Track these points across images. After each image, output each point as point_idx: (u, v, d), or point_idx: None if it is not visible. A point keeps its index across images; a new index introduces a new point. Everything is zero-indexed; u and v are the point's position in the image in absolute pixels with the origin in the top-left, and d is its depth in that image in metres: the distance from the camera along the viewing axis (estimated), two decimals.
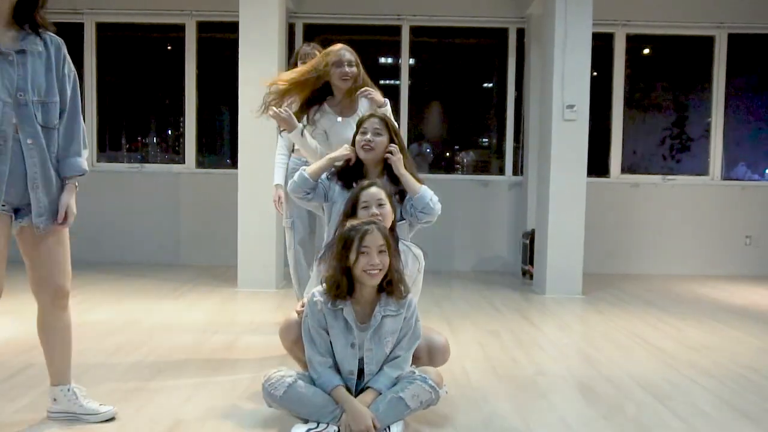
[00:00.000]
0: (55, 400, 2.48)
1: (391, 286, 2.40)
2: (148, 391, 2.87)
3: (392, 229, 2.72)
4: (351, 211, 2.67)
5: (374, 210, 2.62)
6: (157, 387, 2.94)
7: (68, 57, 2.37)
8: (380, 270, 2.35)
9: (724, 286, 6.14)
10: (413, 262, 2.76)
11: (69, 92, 2.36)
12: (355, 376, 2.41)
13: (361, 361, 2.41)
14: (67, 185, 2.35)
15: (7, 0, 2.20)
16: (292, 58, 3.99)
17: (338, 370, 2.42)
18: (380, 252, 2.34)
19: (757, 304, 5.30)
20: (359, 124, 3.02)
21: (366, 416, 2.28)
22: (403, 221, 2.95)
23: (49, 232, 2.32)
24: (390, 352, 2.43)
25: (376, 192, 2.67)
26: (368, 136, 2.95)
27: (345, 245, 2.37)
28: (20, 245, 2.37)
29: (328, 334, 2.41)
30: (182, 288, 5.45)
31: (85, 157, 2.41)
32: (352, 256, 2.34)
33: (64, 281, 2.40)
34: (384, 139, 2.97)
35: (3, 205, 2.23)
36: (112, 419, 2.50)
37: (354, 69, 3.39)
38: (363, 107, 3.43)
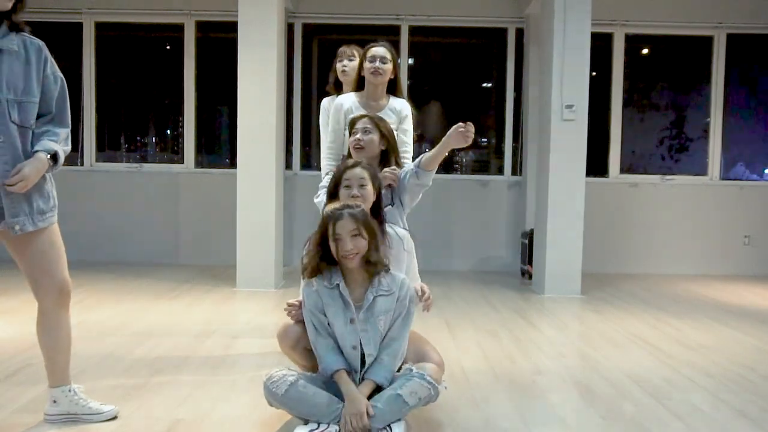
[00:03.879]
0: (55, 401, 2.46)
1: (370, 265, 2.44)
2: (147, 391, 2.87)
3: (378, 211, 2.74)
4: (334, 189, 2.73)
5: (355, 191, 2.66)
6: (156, 386, 2.94)
7: (52, 60, 2.35)
8: (356, 254, 2.39)
9: (723, 285, 6.15)
10: (397, 244, 2.76)
11: (56, 94, 2.35)
12: (359, 351, 2.42)
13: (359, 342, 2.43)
14: (35, 155, 2.25)
15: None
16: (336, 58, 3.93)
17: (341, 351, 2.43)
18: (353, 236, 2.38)
19: (756, 304, 5.31)
20: (351, 125, 3.08)
21: (362, 402, 2.30)
22: (391, 206, 2.98)
23: (29, 233, 2.28)
24: (385, 334, 2.45)
25: (359, 172, 2.70)
26: (358, 135, 3.01)
27: (323, 232, 2.43)
28: (9, 250, 2.34)
29: (325, 316, 2.43)
30: (181, 288, 5.45)
31: (63, 150, 2.33)
32: (331, 244, 2.40)
33: (66, 278, 2.38)
34: (374, 136, 3.02)
35: None
36: (114, 418, 2.51)
37: (387, 65, 3.39)
38: (393, 108, 3.44)
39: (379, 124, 3.05)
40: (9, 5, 2.21)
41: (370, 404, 2.31)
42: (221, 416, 2.59)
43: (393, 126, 3.29)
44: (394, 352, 2.44)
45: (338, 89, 3.83)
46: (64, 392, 2.46)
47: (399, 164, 3.16)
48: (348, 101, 3.45)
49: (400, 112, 3.42)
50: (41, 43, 2.33)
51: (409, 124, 3.47)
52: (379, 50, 3.39)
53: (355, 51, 3.79)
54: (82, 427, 2.44)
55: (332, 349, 2.42)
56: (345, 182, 2.70)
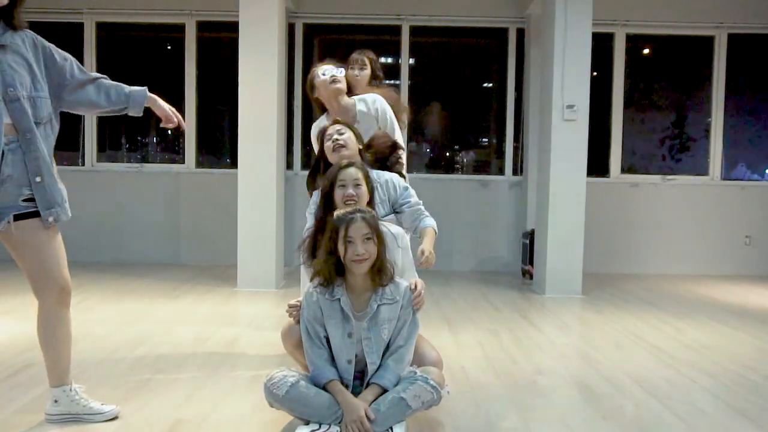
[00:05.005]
0: (56, 401, 2.46)
1: (377, 274, 2.41)
2: (148, 391, 2.87)
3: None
4: (329, 188, 2.72)
5: (350, 191, 2.66)
6: (157, 386, 2.94)
7: (53, 46, 2.38)
8: (366, 258, 2.36)
9: (724, 285, 6.14)
10: (391, 240, 2.77)
11: (77, 71, 2.40)
12: (353, 366, 2.41)
13: (361, 351, 2.42)
14: (146, 94, 2.52)
15: None
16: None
17: (334, 362, 2.42)
18: (365, 240, 2.36)
19: (757, 304, 5.31)
20: (321, 137, 3.09)
21: (359, 407, 2.29)
22: (392, 215, 2.99)
23: (34, 232, 2.30)
24: (389, 341, 2.44)
25: (353, 172, 2.71)
26: (335, 137, 3.01)
27: (332, 236, 2.39)
28: (9, 249, 2.34)
29: (324, 327, 2.42)
30: (182, 288, 5.45)
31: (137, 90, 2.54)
32: (341, 247, 2.36)
33: (67, 276, 2.39)
34: (349, 135, 3.03)
35: None
36: (115, 418, 2.51)
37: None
38: (361, 111, 3.44)
39: (351, 126, 3.09)
40: (5, 1, 2.20)
41: (369, 408, 2.30)
42: (222, 416, 2.59)
43: (376, 127, 3.31)
44: (400, 357, 2.42)
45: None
46: (65, 392, 2.46)
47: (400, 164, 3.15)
48: (320, 126, 3.39)
49: (368, 113, 3.40)
50: (33, 35, 2.34)
51: (385, 119, 3.43)
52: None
53: (366, 58, 3.76)
54: (83, 427, 2.44)
55: (326, 359, 2.40)
56: (340, 182, 2.70)
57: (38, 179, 2.26)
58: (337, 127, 3.06)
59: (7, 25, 2.26)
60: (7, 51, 2.23)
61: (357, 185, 2.69)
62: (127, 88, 2.52)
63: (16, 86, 2.22)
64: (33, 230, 2.31)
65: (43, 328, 2.41)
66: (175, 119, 2.57)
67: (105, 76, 2.52)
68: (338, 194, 2.69)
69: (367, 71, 3.73)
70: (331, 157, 2.99)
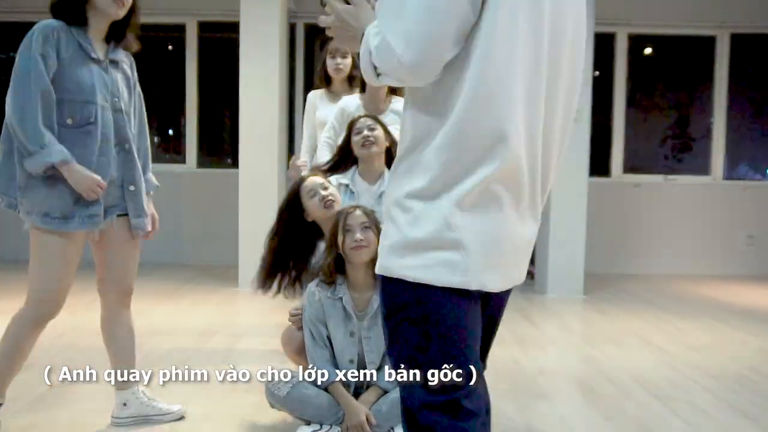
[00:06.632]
0: (125, 404, 2.48)
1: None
2: (149, 390, 2.87)
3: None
4: (294, 202, 2.68)
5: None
6: (158, 386, 2.93)
7: (137, 76, 2.52)
8: (366, 246, 2.34)
9: (726, 285, 6.13)
10: None
11: (137, 110, 2.49)
12: (355, 365, 2.41)
13: (362, 350, 2.41)
14: (149, 199, 2.52)
15: (111, 17, 2.31)
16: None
17: (336, 361, 2.42)
18: (364, 228, 2.36)
19: (759, 304, 5.30)
20: (350, 127, 2.96)
21: (360, 411, 2.29)
22: None
23: (145, 233, 2.44)
24: None
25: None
26: (365, 133, 2.89)
27: (332, 230, 2.41)
28: (96, 246, 2.44)
29: (326, 326, 2.42)
30: (183, 288, 5.45)
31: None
32: (340, 237, 2.37)
33: (132, 281, 2.55)
34: (380, 132, 2.93)
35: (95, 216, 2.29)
36: (182, 418, 2.54)
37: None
38: (395, 110, 3.40)
39: (381, 121, 3.03)
40: (122, 14, 2.32)
41: (371, 412, 2.30)
42: (223, 416, 2.59)
43: (396, 127, 3.27)
44: None
45: (327, 84, 3.66)
46: (135, 394, 2.49)
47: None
48: (352, 104, 3.34)
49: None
50: (133, 60, 2.52)
51: None
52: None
53: None
54: (79, 425, 2.43)
55: (327, 360, 2.41)
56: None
57: (132, 188, 2.37)
58: (368, 122, 2.91)
59: (118, 44, 2.40)
60: (118, 66, 2.38)
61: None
62: (148, 167, 2.52)
63: (121, 98, 2.34)
64: (123, 231, 2.41)
65: (105, 330, 2.56)
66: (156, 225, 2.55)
67: (146, 141, 2.53)
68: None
69: (349, 60, 3.64)
70: (360, 151, 2.90)
